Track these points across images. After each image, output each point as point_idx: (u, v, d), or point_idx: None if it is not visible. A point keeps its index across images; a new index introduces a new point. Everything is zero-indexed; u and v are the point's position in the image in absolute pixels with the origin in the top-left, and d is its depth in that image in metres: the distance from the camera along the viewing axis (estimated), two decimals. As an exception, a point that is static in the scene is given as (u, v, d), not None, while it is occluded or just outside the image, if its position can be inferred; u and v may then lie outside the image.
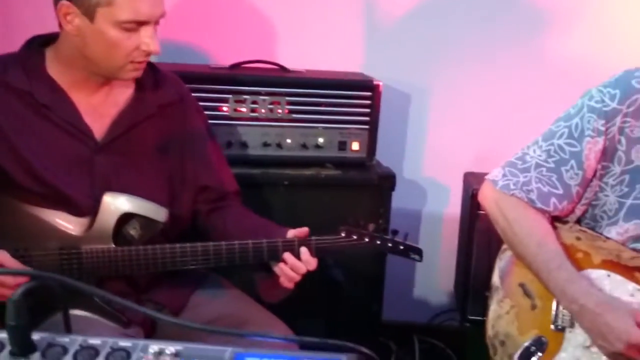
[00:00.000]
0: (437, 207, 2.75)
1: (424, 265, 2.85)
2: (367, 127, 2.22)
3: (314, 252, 1.49)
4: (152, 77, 1.61)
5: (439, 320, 2.75)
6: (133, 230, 1.46)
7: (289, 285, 1.49)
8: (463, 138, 2.61)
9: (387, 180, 2.24)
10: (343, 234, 1.55)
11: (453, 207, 2.63)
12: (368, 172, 2.24)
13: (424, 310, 2.80)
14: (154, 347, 0.70)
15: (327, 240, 1.54)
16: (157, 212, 1.47)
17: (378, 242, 1.57)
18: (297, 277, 1.48)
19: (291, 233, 1.52)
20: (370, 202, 2.23)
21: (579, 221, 1.47)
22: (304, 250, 1.48)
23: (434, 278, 2.82)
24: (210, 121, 2.12)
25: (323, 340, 0.74)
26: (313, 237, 1.53)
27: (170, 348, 0.70)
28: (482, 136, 2.59)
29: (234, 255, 1.48)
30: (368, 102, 2.20)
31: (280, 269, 1.48)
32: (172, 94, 1.64)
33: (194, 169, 1.64)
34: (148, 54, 1.44)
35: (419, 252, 1.61)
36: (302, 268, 1.48)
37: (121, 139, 1.54)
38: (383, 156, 2.44)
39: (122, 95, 1.56)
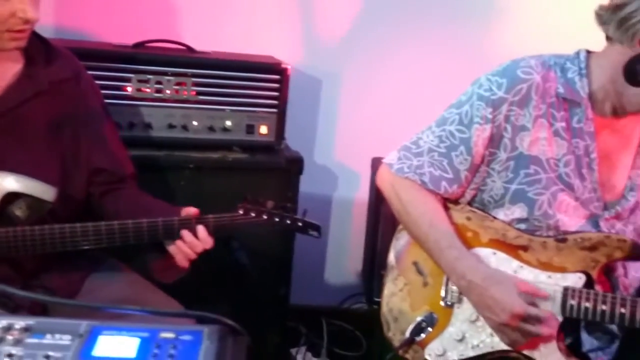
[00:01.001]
0: (348, 192, 2.78)
1: (334, 249, 2.91)
2: (275, 110, 2.21)
3: (211, 230, 1.48)
4: (43, 52, 1.54)
5: (349, 303, 2.79)
6: (18, 210, 1.40)
7: (185, 263, 1.47)
8: (373, 124, 2.65)
9: (295, 164, 2.25)
10: (241, 212, 1.54)
11: (363, 192, 2.66)
12: (276, 155, 2.23)
13: (334, 294, 2.83)
14: (2, 321, 0.67)
15: (225, 217, 1.53)
16: (44, 192, 1.41)
17: (276, 219, 1.57)
18: (193, 255, 1.47)
19: (184, 212, 1.50)
20: (279, 185, 2.22)
21: (470, 204, 1.52)
22: (200, 229, 1.46)
23: (344, 262, 2.86)
24: (112, 101, 2.05)
25: (183, 311, 0.73)
26: (210, 215, 1.51)
27: (20, 322, 0.67)
28: (391, 122, 2.63)
29: (127, 235, 1.45)
30: (276, 85, 2.19)
31: (176, 247, 1.46)
32: (66, 70, 1.58)
33: (89, 150, 1.58)
34: (26, 21, 1.38)
35: (317, 228, 1.63)
36: (199, 246, 1.46)
37: (8, 116, 1.46)
38: (294, 141, 2.44)
39: (9, 70, 1.49)
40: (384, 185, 1.55)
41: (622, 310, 1.34)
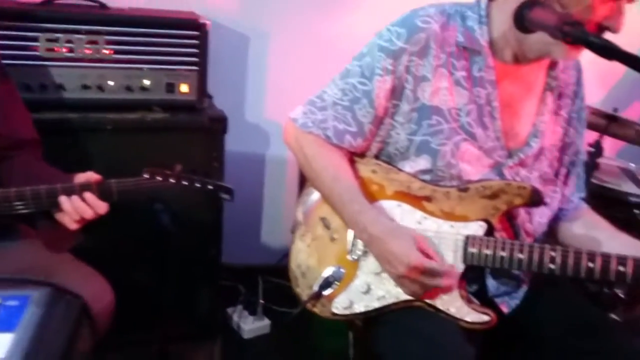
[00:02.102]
0: (281, 150, 2.75)
1: (269, 208, 2.90)
2: (196, 68, 2.15)
3: (98, 195, 1.44)
4: None
5: (286, 260, 2.80)
6: None
7: (72, 225, 1.44)
8: (302, 81, 2.61)
9: (219, 123, 2.21)
10: (146, 176, 1.51)
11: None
12: (199, 115, 2.19)
13: (271, 252, 2.84)
14: None
15: (129, 182, 1.49)
16: None
17: (185, 183, 1.54)
18: (81, 220, 1.44)
19: (81, 178, 1.46)
20: (203, 146, 2.19)
21: (377, 157, 1.51)
22: (88, 194, 1.43)
23: (280, 220, 2.86)
24: (20, 62, 1.97)
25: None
26: (113, 180, 1.48)
27: None
28: (320, 80, 2.60)
29: (10, 204, 1.41)
30: (195, 42, 2.13)
31: (62, 213, 1.43)
32: None
33: None
34: None
35: (228, 191, 1.60)
36: (88, 211, 1.43)
37: None
38: (222, 100, 2.40)
39: None
40: (289, 140, 1.53)
41: (520, 255, 1.36)
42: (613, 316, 2.00)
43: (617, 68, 2.98)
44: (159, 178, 1.51)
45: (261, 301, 2.54)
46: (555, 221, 1.60)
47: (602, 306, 2.18)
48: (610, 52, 1.16)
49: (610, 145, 2.64)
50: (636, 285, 1.30)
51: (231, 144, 2.39)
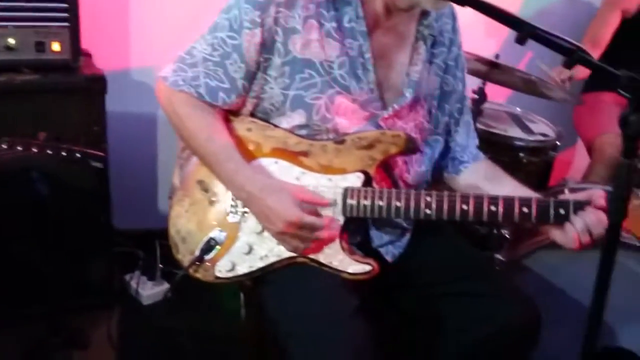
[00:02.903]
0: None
1: (164, 170, 2.81)
2: (67, 24, 2.01)
3: None
4: None
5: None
6: None
7: None
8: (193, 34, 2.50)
9: (97, 83, 2.08)
10: (5, 146, 1.40)
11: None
12: (74, 75, 2.05)
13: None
14: None
15: (-15, 152, 1.39)
16: None
17: (49, 152, 1.45)
18: None
19: None
20: (81, 108, 2.07)
21: (253, 114, 1.47)
22: None
23: (175, 182, 2.78)
24: None
25: None
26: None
27: None
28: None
29: None
30: (65, -4, 1.98)
31: None
32: None
33: None
34: None
35: (100, 159, 1.52)
36: None
37: None
38: (105, 57, 2.26)
39: None
40: (161, 100, 1.45)
41: (398, 203, 1.38)
42: (498, 256, 2.09)
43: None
44: (19, 148, 1.41)
45: (160, 265, 2.48)
46: (456, 173, 1.63)
47: (491, 247, 2.28)
48: (471, 2, 1.16)
49: (500, 90, 2.71)
50: (508, 222, 1.35)
51: (118, 104, 2.27)
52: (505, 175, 1.58)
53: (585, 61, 1.03)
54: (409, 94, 1.48)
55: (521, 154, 2.35)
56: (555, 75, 2.51)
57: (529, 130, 2.50)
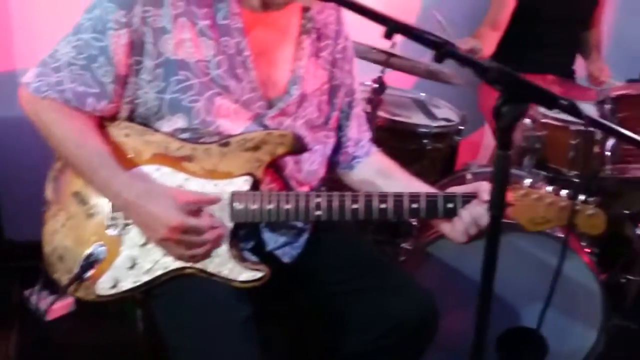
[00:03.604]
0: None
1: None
2: None
3: None
4: None
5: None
6: None
7: None
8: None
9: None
10: None
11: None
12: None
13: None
14: None
15: None
16: None
17: None
18: None
19: None
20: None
21: (131, 119, 1.38)
22: None
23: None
24: None
25: None
26: None
27: None
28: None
29: None
30: None
31: None
32: None
33: None
34: None
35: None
36: None
37: None
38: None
39: None
40: (25, 108, 1.35)
41: (287, 206, 1.34)
42: (404, 245, 2.09)
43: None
44: None
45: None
46: (349, 169, 1.60)
47: (400, 235, 2.29)
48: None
49: (408, 76, 2.70)
50: (399, 218, 1.34)
51: (6, 109, 2.12)
52: (398, 169, 1.56)
53: (453, 54, 1.01)
54: (294, 91, 1.43)
55: (425, 141, 2.36)
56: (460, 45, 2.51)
57: (432, 116, 2.51)
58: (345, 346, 1.51)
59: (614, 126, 1.09)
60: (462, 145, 2.63)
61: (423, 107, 2.60)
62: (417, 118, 2.48)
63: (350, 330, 1.49)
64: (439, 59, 1.02)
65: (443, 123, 2.44)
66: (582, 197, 1.32)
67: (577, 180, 2.30)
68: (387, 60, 2.16)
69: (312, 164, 1.49)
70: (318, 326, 1.59)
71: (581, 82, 2.96)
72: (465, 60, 1.01)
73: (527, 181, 1.34)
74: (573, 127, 2.18)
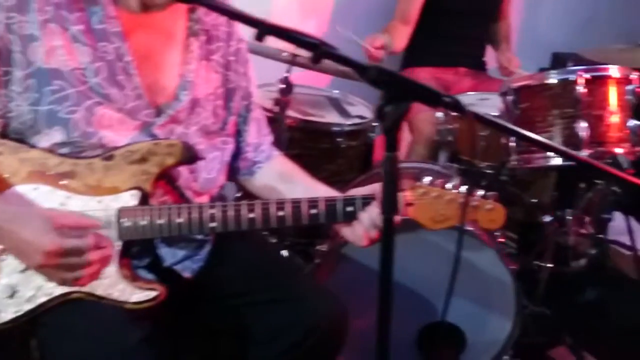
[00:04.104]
0: None
1: None
2: None
3: None
4: None
5: None
6: None
7: None
8: None
9: None
10: None
11: None
12: None
13: None
14: None
15: None
16: None
17: None
18: None
19: None
20: None
21: (5, 136, 1.27)
22: None
23: None
24: None
25: None
26: None
27: None
28: None
29: None
30: None
31: None
32: None
33: None
34: None
35: None
36: None
37: None
38: None
39: None
40: None
41: (179, 220, 1.27)
42: (319, 247, 2.05)
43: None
44: None
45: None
46: (250, 175, 1.54)
47: (318, 236, 2.24)
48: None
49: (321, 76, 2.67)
50: (299, 224, 1.29)
51: None
52: (301, 173, 1.52)
53: (330, 54, 0.97)
54: (184, 97, 1.36)
55: (339, 139, 2.32)
56: (367, 44, 2.48)
57: (346, 114, 2.48)
58: (253, 361, 1.46)
59: (493, 119, 1.08)
60: (379, 142, 2.62)
61: (337, 105, 2.57)
62: (330, 116, 2.44)
63: (259, 343, 1.43)
64: (315, 60, 0.97)
65: (357, 120, 2.41)
66: (480, 193, 1.32)
67: (489, 171, 2.33)
68: (294, 59, 2.11)
69: (210, 172, 1.43)
70: (227, 341, 1.53)
71: (493, 73, 3.01)
72: (344, 60, 0.97)
73: (427, 179, 1.32)
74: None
